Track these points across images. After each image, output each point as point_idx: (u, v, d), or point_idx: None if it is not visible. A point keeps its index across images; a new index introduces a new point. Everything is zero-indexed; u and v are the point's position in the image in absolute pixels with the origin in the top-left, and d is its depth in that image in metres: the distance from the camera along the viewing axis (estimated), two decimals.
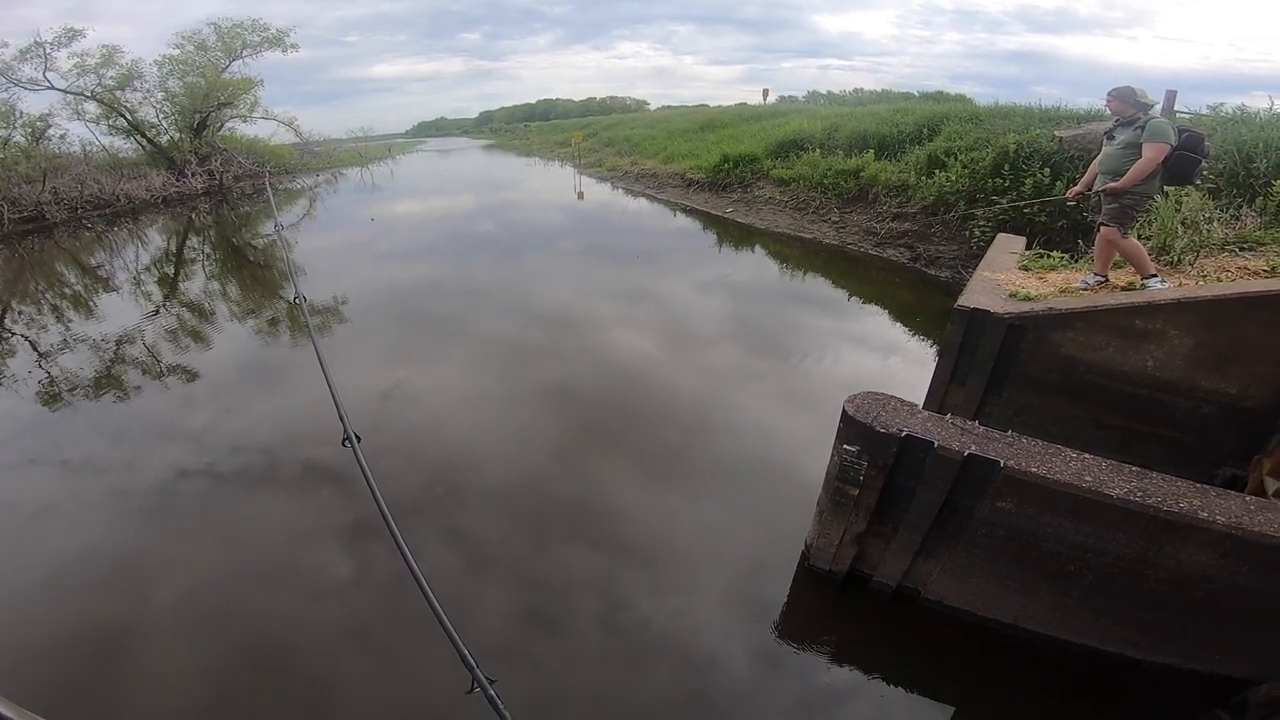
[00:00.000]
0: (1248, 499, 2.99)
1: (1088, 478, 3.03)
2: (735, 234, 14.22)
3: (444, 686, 3.05)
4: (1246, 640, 3.08)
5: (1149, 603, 3.12)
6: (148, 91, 24.41)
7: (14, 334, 9.51)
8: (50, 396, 7.03)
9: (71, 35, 21.80)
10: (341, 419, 2.87)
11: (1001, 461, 3.11)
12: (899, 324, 8.55)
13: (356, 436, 2.80)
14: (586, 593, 4.01)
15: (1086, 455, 3.21)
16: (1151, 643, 3.28)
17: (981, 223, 9.73)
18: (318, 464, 5.27)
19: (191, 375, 7.42)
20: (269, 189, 20.00)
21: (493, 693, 1.85)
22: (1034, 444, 3.29)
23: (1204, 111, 9.01)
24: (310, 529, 4.63)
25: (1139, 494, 2.93)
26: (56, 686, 3.37)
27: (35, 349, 8.66)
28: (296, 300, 5.37)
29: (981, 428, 3.43)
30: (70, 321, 9.97)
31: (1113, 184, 4.53)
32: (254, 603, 3.94)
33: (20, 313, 10.78)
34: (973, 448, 3.19)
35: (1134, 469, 3.13)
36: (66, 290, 12.14)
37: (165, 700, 3.32)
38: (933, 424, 3.41)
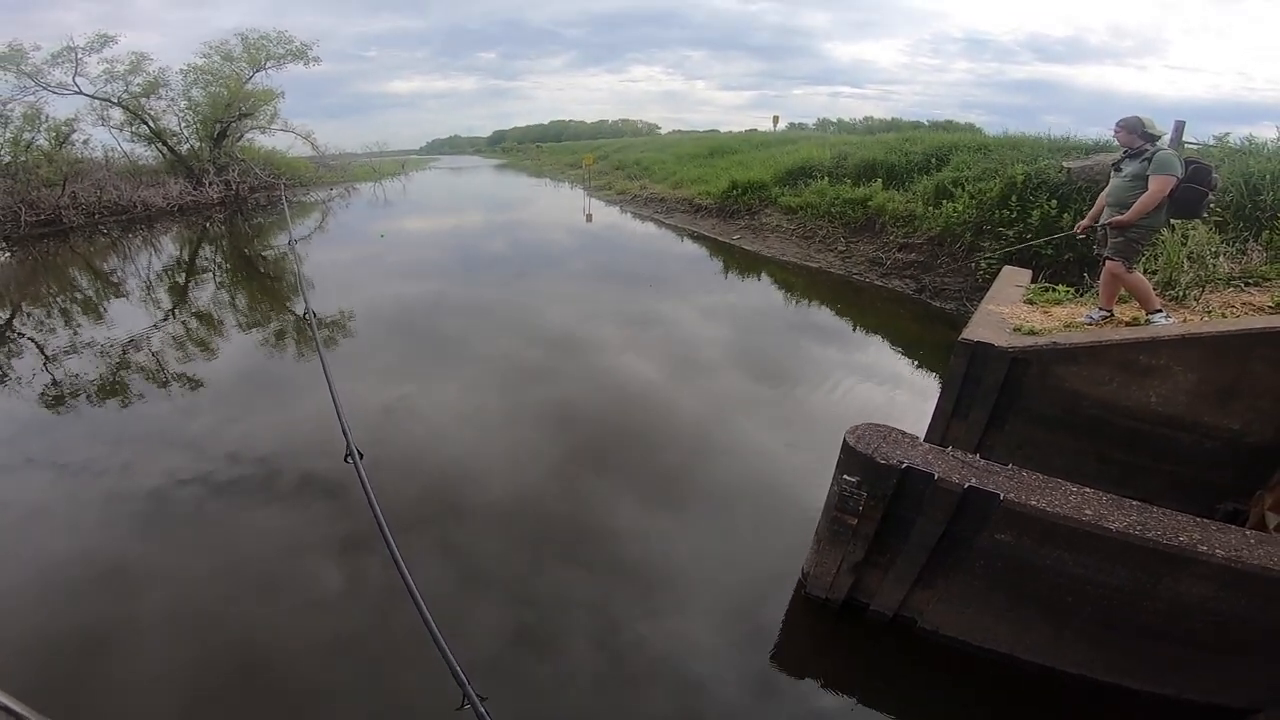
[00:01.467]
0: (1248, 533, 3.00)
1: (1088, 511, 3.03)
2: (741, 261, 14.27)
3: (435, 702, 3.02)
4: (1243, 671, 3.06)
5: (1147, 634, 3.11)
6: (172, 100, 24.83)
7: (22, 336, 9.62)
8: (54, 399, 7.09)
9: (104, 41, 22.17)
10: (345, 436, 2.91)
11: (1001, 494, 3.10)
12: (902, 355, 8.55)
13: (359, 453, 2.82)
14: (581, 613, 3.98)
15: (1087, 489, 3.21)
16: (1149, 674, 3.25)
17: (988, 255, 9.76)
18: (318, 477, 5.27)
19: (197, 384, 7.47)
20: (284, 201, 20.25)
21: (483, 709, 1.86)
22: (1034, 477, 3.29)
23: (1210, 142, 9.02)
24: (306, 541, 4.62)
25: (1139, 527, 2.93)
26: (40, 690, 3.34)
27: (42, 352, 8.74)
28: (306, 316, 5.43)
29: (982, 461, 3.43)
30: (79, 326, 10.06)
31: (1118, 217, 4.53)
32: (245, 613, 3.92)
33: (30, 315, 10.90)
34: (973, 480, 3.19)
35: (1134, 503, 3.12)
36: (78, 295, 12.28)
37: (150, 711, 3.30)
38: (933, 456, 3.41)
